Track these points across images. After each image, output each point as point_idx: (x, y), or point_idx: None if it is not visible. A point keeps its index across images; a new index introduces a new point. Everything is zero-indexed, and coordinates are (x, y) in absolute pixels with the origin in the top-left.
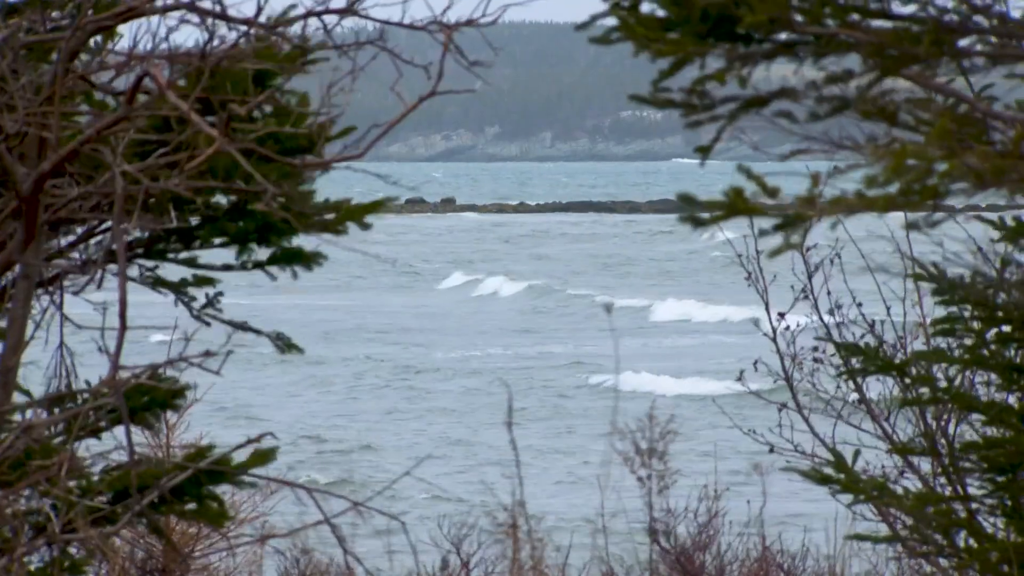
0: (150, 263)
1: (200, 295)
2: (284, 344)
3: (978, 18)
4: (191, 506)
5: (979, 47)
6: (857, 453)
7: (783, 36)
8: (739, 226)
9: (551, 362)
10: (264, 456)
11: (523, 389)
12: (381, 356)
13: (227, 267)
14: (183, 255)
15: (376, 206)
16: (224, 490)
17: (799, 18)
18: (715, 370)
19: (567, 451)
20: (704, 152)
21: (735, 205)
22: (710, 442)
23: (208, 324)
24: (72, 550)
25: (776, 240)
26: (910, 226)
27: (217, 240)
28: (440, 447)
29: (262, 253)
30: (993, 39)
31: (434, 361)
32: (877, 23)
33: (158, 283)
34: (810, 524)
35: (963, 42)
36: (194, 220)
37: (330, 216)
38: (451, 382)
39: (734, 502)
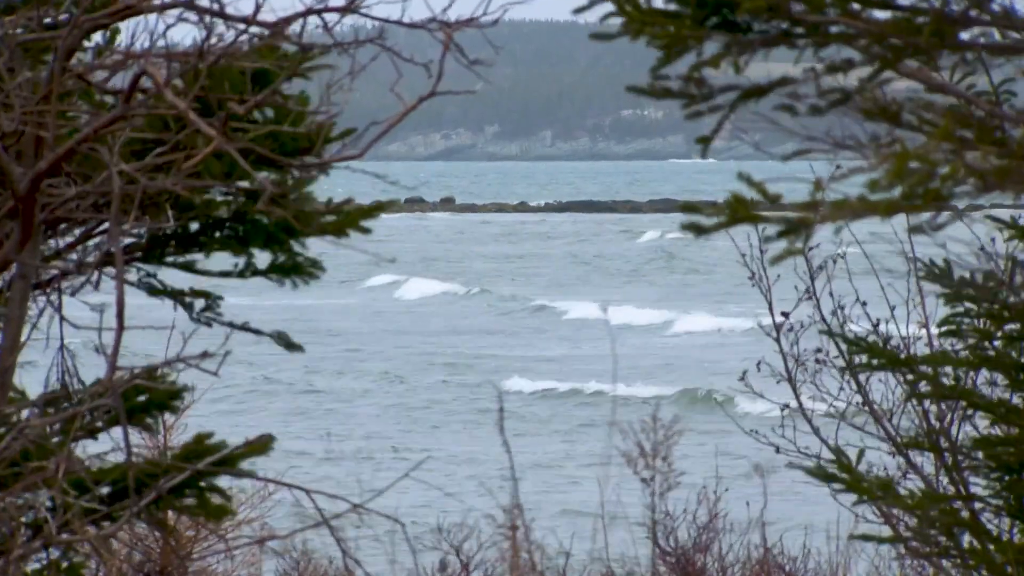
0: (149, 267)
1: (199, 301)
2: (285, 343)
3: (978, 10)
4: (190, 501)
5: (982, 40)
6: (861, 453)
7: (784, 25)
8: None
9: (488, 364)
10: (262, 446)
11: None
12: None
13: (225, 274)
14: (181, 260)
15: (377, 208)
16: (224, 484)
17: (798, 7)
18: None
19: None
20: (704, 143)
21: (737, 212)
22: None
23: (209, 325)
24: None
25: (780, 245)
26: (913, 229)
27: (219, 248)
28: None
29: (261, 261)
30: (996, 31)
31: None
32: (878, 13)
33: (154, 291)
34: (811, 527)
35: (965, 35)
36: (194, 225)
37: (331, 218)
38: (355, 381)
39: (723, 504)
